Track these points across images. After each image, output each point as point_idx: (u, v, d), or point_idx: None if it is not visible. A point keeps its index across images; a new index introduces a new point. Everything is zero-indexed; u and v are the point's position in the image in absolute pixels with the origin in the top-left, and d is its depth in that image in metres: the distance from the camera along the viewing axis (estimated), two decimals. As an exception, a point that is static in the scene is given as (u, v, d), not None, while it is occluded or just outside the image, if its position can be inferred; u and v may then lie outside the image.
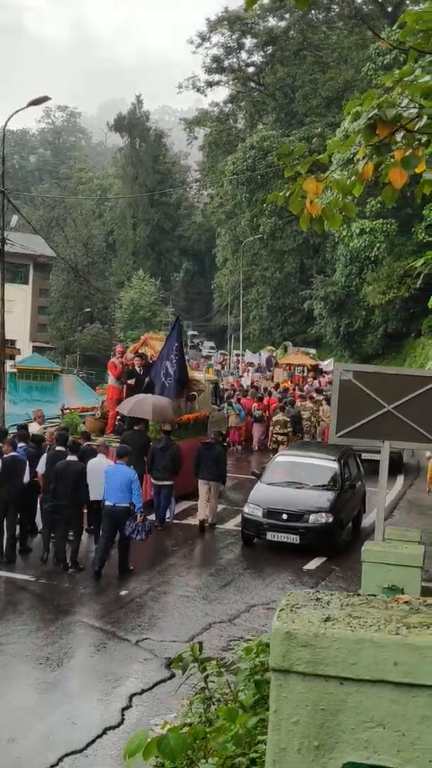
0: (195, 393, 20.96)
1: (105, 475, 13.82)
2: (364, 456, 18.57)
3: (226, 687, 5.49)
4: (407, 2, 53.69)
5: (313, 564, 14.69)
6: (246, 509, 15.67)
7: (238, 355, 61.88)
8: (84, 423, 19.61)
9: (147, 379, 19.53)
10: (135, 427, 17.47)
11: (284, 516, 15.10)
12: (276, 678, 2.07)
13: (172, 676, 9.20)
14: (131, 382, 19.46)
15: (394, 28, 36.67)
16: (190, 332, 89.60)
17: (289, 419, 25.05)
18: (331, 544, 15.07)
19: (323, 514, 15.07)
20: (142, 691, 9.03)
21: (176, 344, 19.58)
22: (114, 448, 15.68)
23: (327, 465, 16.50)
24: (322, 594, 2.32)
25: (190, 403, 20.73)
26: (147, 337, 23.42)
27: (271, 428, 25.70)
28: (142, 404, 17.84)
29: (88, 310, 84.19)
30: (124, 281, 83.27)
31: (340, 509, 15.61)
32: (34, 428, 17.78)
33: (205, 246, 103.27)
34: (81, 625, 11.20)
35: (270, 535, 15.16)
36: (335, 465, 16.40)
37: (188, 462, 17.14)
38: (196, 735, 4.47)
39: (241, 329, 66.86)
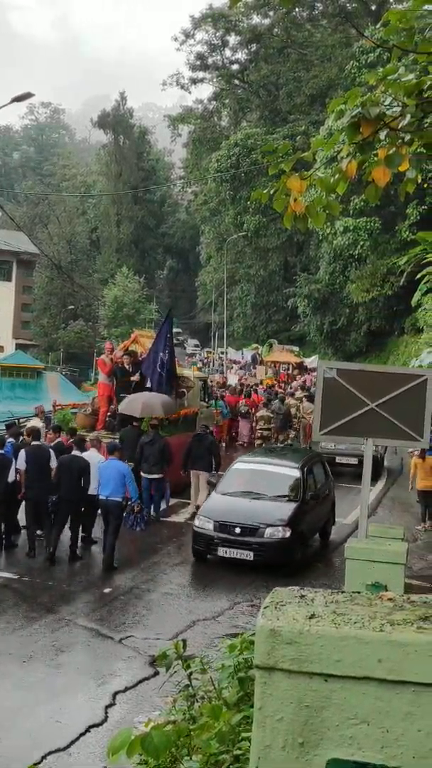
0: (184, 390, 21.30)
1: (98, 470, 14.24)
2: (338, 459, 18.60)
3: (209, 684, 5.49)
4: (391, 1, 53.79)
5: (297, 561, 14.72)
6: (196, 522, 14.35)
7: (222, 353, 62.13)
8: (75, 419, 19.98)
9: (137, 376, 19.82)
10: (133, 423, 17.90)
11: (237, 530, 13.77)
12: (261, 675, 2.07)
13: (156, 673, 9.21)
14: (136, 377, 19.83)
15: (377, 26, 36.70)
16: (174, 329, 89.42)
17: (273, 415, 25.92)
18: (288, 561, 13.64)
19: (280, 528, 13.69)
20: (126, 689, 9.02)
21: (168, 336, 20.04)
22: (106, 443, 16.10)
23: (288, 473, 15.18)
24: (306, 591, 2.32)
25: (179, 400, 20.93)
26: (137, 335, 23.86)
27: (254, 424, 26.30)
28: (133, 402, 18.41)
29: (72, 307, 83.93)
30: (108, 278, 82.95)
31: (300, 522, 14.22)
32: (36, 424, 18.37)
33: (189, 243, 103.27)
34: (65, 622, 11.17)
35: (221, 551, 13.80)
36: (297, 473, 15.08)
37: (178, 458, 17.47)
38: (179, 732, 4.48)
39: (225, 327, 66.84)
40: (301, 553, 14.34)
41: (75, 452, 14.64)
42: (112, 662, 9.89)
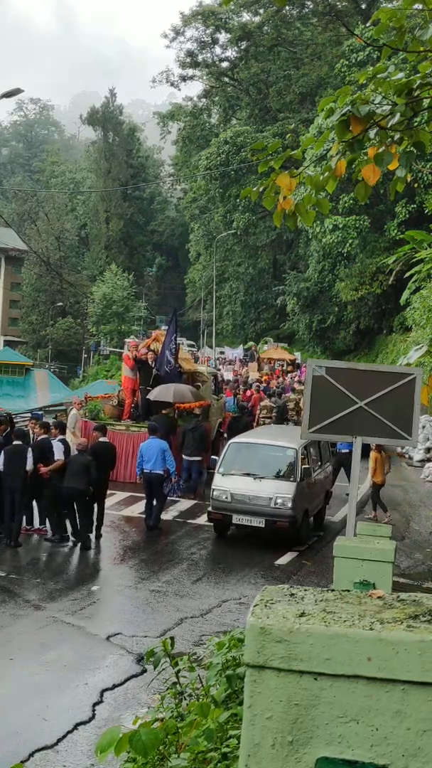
0: (200, 384, 23.30)
1: (141, 449, 16.66)
2: (237, 519, 16.43)
3: (197, 682, 5.49)
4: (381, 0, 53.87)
5: (285, 559, 14.76)
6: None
7: (221, 352, 62.58)
8: (103, 410, 22.29)
9: (155, 372, 21.95)
10: (163, 411, 20.06)
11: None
12: (250, 674, 2.07)
13: (144, 671, 9.20)
14: (144, 387, 21.73)
15: (367, 25, 36.76)
16: (163, 327, 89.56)
17: (274, 405, 28.29)
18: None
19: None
20: (114, 687, 9.02)
21: (173, 336, 22.17)
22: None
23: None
24: (296, 589, 2.32)
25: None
26: (158, 333, 25.62)
27: (258, 412, 28.37)
28: (165, 390, 20.64)
29: (60, 304, 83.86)
30: (97, 275, 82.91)
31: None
32: (76, 415, 20.91)
33: (179, 241, 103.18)
34: (52, 620, 11.15)
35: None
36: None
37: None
38: (167, 730, 4.48)
39: (214, 325, 66.90)
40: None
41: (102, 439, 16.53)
42: (100, 660, 9.87)
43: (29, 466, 14.64)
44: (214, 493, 15.68)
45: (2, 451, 14.72)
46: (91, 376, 68.26)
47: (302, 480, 15.51)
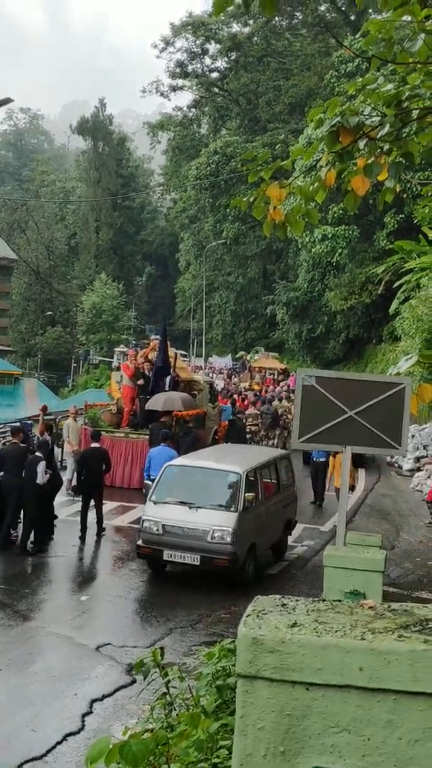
0: (196, 392, 23.79)
1: (151, 455, 16.62)
2: (168, 555, 13.58)
3: (188, 692, 5.48)
4: (370, 11, 54.16)
5: (275, 569, 14.75)
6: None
7: (210, 362, 62.90)
8: (102, 417, 23.07)
9: (141, 381, 22.74)
10: (162, 419, 20.10)
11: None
12: (242, 684, 2.07)
13: (134, 681, 9.16)
14: (141, 382, 22.72)
15: (357, 36, 36.98)
16: (152, 336, 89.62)
17: (259, 413, 29.11)
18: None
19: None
20: (103, 697, 8.97)
21: (163, 346, 22.78)
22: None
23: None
24: (288, 600, 2.33)
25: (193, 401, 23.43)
26: (155, 343, 25.96)
27: (245, 420, 28.42)
28: (157, 399, 21.05)
29: (50, 313, 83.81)
30: (87, 285, 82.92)
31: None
32: (70, 425, 20.91)
33: (168, 250, 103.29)
34: (41, 630, 11.10)
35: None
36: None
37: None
38: (158, 741, 4.46)
39: (203, 334, 66.94)
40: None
41: (94, 444, 16.89)
42: (89, 670, 9.83)
43: (40, 479, 14.91)
44: (144, 524, 13.53)
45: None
46: (81, 385, 68.24)
47: (247, 510, 13.34)
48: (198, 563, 12.95)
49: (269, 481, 15.29)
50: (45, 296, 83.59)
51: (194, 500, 13.37)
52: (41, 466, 14.80)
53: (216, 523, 12.98)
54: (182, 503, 13.36)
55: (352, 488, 19.30)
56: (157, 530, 13.23)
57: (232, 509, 13.20)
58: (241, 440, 23.49)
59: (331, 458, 18.57)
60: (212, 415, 25.39)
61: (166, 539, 13.15)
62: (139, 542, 13.62)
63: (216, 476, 13.91)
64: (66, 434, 20.61)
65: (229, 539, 12.85)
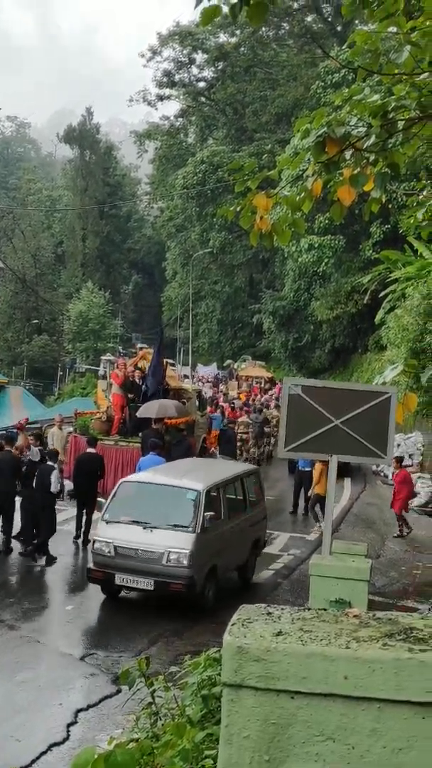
0: (185, 400, 23.74)
1: (140, 464, 16.73)
2: (120, 579, 12.51)
3: (173, 702, 5.46)
4: (356, 22, 54.46)
5: (261, 578, 14.73)
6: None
7: (194, 370, 62.87)
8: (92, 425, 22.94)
9: (144, 389, 22.74)
10: (153, 426, 20.21)
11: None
12: (228, 693, 2.07)
13: (119, 691, 9.13)
14: (131, 395, 22.85)
15: (343, 47, 37.18)
16: (139, 345, 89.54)
17: (250, 422, 29.16)
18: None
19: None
20: (88, 707, 8.94)
21: (157, 354, 23.12)
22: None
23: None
24: (273, 608, 2.33)
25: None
26: (144, 352, 26.66)
27: (236, 428, 28.57)
28: (150, 406, 21.03)
29: (36, 321, 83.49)
30: (73, 293, 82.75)
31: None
32: (55, 433, 21.29)
33: (155, 259, 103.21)
34: (26, 640, 11.05)
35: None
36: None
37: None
38: (143, 750, 4.44)
39: (190, 342, 66.91)
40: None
41: (89, 449, 17.42)
42: (74, 680, 9.79)
43: (54, 488, 15.16)
44: (95, 545, 12.62)
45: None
46: (67, 393, 68.02)
47: (207, 530, 12.35)
48: (152, 588, 12.05)
49: (234, 498, 14.30)
50: (31, 304, 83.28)
51: (149, 520, 12.38)
52: (54, 475, 15.06)
53: (172, 544, 12.02)
54: (136, 523, 12.38)
55: (323, 499, 19.29)
56: (109, 552, 12.26)
57: (190, 529, 12.19)
58: (232, 449, 23.66)
59: (317, 464, 18.58)
60: (201, 423, 25.43)
61: (118, 562, 12.19)
62: (90, 565, 12.73)
63: (174, 494, 12.87)
64: (51, 442, 20.51)
65: (185, 562, 11.90)
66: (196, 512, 12.31)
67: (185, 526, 12.25)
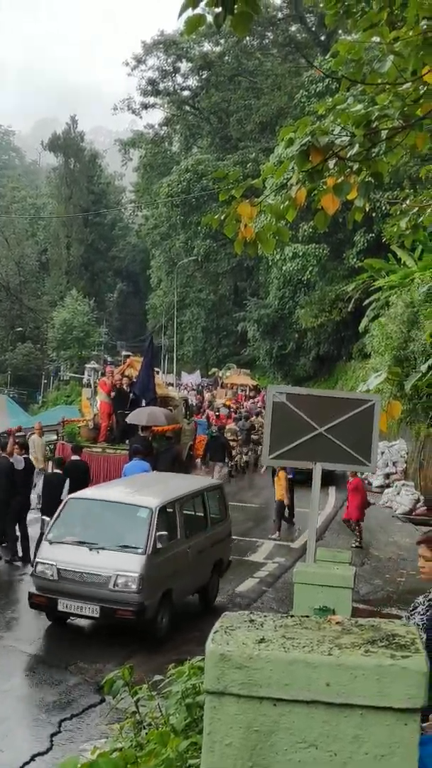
0: (171, 408, 23.99)
1: (125, 469, 17.10)
2: (63, 606, 11.45)
3: (157, 711, 5.44)
4: (340, 32, 54.76)
5: (245, 586, 14.71)
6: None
7: (183, 380, 62.98)
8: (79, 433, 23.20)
9: (132, 396, 22.91)
10: (141, 434, 20.36)
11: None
12: (210, 700, 2.07)
13: (103, 700, 9.09)
14: (120, 411, 22.71)
15: (327, 57, 37.37)
16: (123, 353, 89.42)
17: (238, 429, 29.58)
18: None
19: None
20: (72, 716, 8.89)
21: (147, 361, 23.34)
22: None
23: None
24: (256, 616, 2.33)
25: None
26: (132, 360, 26.98)
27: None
28: (139, 414, 21.24)
29: (20, 329, 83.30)
30: (57, 301, 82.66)
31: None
32: (35, 441, 21.16)
33: (140, 267, 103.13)
34: (9, 649, 10.99)
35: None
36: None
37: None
38: (127, 759, 4.43)
39: (175, 350, 66.88)
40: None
41: (74, 457, 17.02)
42: (58, 689, 9.74)
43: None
44: (37, 567, 11.65)
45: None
46: (51, 401, 67.91)
47: (159, 551, 11.44)
48: (97, 615, 11.12)
49: (193, 515, 13.28)
50: (15, 312, 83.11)
51: (96, 540, 11.49)
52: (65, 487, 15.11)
53: (120, 567, 11.07)
54: (82, 543, 11.52)
55: (289, 507, 19.86)
56: (52, 575, 11.31)
57: (141, 551, 11.23)
58: (223, 457, 23.82)
59: (280, 472, 18.95)
60: (187, 430, 25.56)
61: (61, 586, 11.22)
62: (32, 590, 11.71)
63: (123, 511, 11.98)
64: (32, 450, 20.21)
65: (134, 587, 10.95)
66: (148, 532, 11.35)
67: (135, 548, 11.31)
